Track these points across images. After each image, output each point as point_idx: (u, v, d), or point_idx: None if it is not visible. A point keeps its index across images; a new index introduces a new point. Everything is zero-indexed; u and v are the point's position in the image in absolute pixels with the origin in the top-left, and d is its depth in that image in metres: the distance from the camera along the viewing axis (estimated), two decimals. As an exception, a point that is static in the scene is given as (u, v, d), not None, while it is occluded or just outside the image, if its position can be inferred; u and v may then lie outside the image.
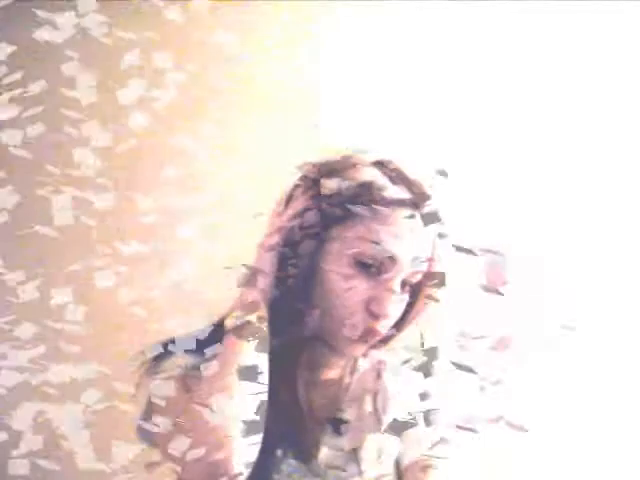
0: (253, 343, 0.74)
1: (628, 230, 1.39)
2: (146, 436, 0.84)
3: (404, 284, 0.81)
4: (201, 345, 0.83)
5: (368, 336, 0.80)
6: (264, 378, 0.73)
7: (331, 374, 0.89)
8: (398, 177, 0.82)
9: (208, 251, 1.40)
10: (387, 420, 0.86)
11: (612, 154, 1.40)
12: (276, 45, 1.45)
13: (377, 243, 0.77)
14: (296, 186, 0.86)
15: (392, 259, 0.77)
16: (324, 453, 0.81)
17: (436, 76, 1.43)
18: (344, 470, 0.81)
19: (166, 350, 0.83)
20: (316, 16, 1.45)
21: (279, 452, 0.78)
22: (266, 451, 0.71)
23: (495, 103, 1.42)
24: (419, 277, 0.82)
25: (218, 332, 0.76)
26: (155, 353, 0.84)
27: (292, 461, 0.79)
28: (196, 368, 0.80)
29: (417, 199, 0.80)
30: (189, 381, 0.78)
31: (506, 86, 1.42)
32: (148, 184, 1.43)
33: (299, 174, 0.87)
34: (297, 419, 0.78)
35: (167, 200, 1.42)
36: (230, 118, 1.44)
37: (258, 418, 0.70)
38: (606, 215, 1.39)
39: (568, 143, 1.41)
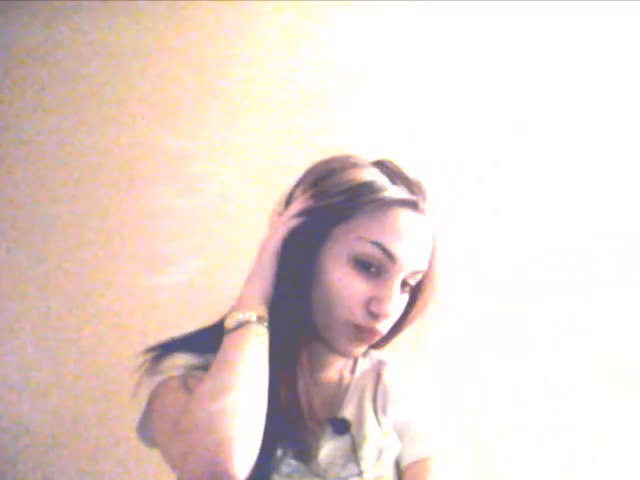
0: (253, 343, 0.73)
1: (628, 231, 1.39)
2: (146, 436, 0.84)
3: (404, 284, 0.81)
4: (201, 345, 0.83)
5: (368, 336, 0.80)
6: (265, 378, 0.73)
7: (331, 374, 0.89)
8: (398, 177, 0.81)
9: (208, 251, 1.41)
10: (387, 420, 0.86)
11: (611, 155, 1.40)
12: (276, 45, 1.45)
13: (377, 243, 0.77)
14: (296, 186, 0.86)
15: (392, 259, 0.77)
16: (324, 453, 0.81)
17: (436, 75, 1.43)
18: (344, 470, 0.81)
19: (166, 350, 0.83)
20: (316, 16, 1.45)
21: (279, 452, 0.78)
22: (266, 451, 0.71)
23: (494, 102, 1.42)
24: (419, 277, 0.82)
25: (218, 332, 0.76)
26: (155, 353, 0.83)
27: (292, 461, 0.78)
28: (196, 368, 0.80)
29: (417, 199, 0.80)
30: (189, 381, 0.78)
31: (505, 86, 1.43)
32: (148, 184, 1.43)
33: (299, 174, 0.87)
34: (297, 419, 0.78)
35: (167, 200, 1.42)
36: (230, 118, 1.44)
37: (259, 418, 0.70)
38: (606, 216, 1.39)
39: (568, 145, 1.41)
